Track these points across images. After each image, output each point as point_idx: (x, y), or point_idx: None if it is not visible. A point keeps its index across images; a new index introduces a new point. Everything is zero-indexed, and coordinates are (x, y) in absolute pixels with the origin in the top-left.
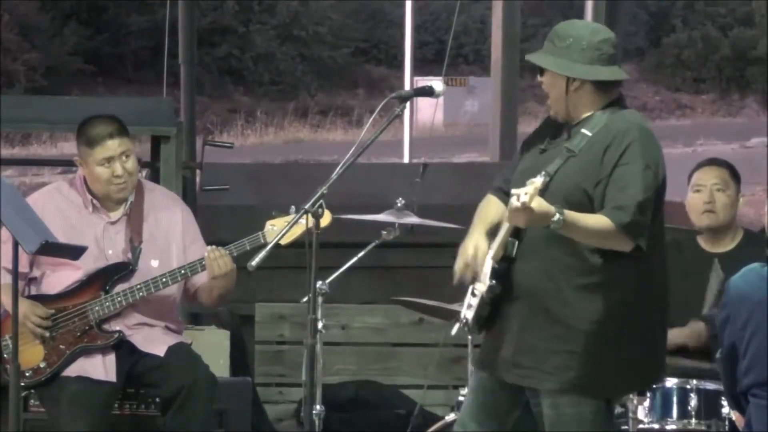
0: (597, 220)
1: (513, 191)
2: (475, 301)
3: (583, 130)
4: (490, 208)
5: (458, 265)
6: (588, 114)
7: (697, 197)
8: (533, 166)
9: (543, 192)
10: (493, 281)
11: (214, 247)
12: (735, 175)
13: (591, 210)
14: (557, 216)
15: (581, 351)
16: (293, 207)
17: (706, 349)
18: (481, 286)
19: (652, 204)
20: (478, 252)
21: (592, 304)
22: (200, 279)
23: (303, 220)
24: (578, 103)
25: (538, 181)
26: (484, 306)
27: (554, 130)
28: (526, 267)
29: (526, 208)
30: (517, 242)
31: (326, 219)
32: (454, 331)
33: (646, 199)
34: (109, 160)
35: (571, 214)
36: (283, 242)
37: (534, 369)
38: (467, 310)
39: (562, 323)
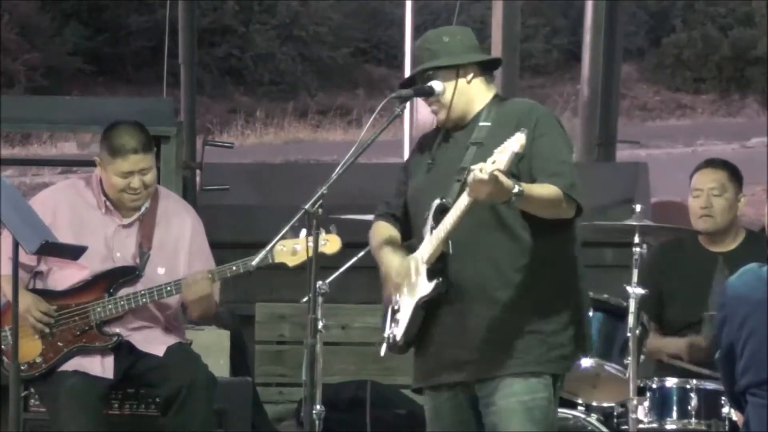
0: (548, 189)
1: (473, 166)
2: (402, 315)
3: (481, 123)
4: (384, 231)
5: (391, 285)
6: (478, 109)
7: (695, 202)
8: (430, 183)
9: (463, 183)
10: (439, 279)
11: (193, 272)
12: (734, 176)
13: None
14: (517, 188)
15: (533, 331)
16: (304, 230)
17: (701, 362)
18: (408, 298)
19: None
20: (404, 266)
21: (535, 284)
22: None
23: (311, 243)
24: (473, 96)
25: (516, 142)
26: (417, 314)
27: (438, 141)
28: (463, 261)
29: (492, 178)
30: (450, 240)
31: (335, 245)
32: (382, 352)
33: (572, 161)
34: (129, 173)
35: (527, 186)
36: (290, 264)
37: (496, 359)
38: (394, 328)
39: (510, 308)
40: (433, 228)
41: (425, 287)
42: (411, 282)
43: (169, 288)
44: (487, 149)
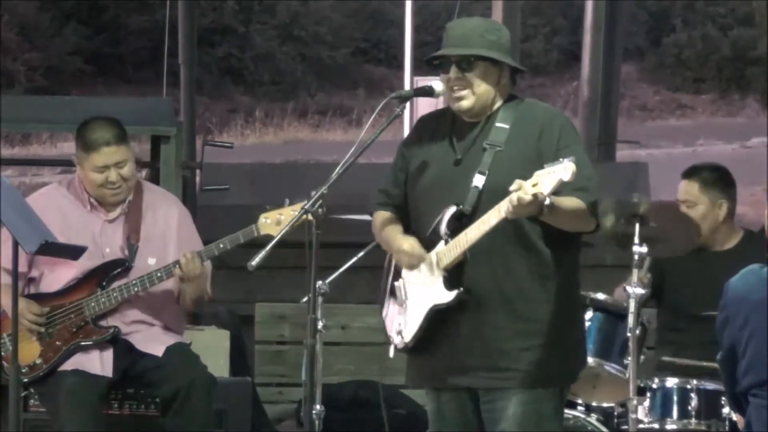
0: (574, 202)
1: (511, 188)
2: (412, 316)
3: (498, 124)
4: (388, 219)
5: (408, 263)
6: (495, 107)
7: None
8: (452, 174)
9: (482, 190)
10: (461, 288)
11: (184, 252)
12: (709, 185)
13: None
14: (548, 200)
15: (546, 343)
16: (287, 200)
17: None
18: (420, 301)
19: None
20: (414, 246)
21: (549, 296)
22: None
23: (295, 212)
24: (499, 96)
25: (567, 172)
26: (432, 318)
27: (444, 132)
28: (481, 270)
29: (534, 199)
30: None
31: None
32: (391, 353)
33: (597, 177)
34: (104, 167)
35: (557, 199)
36: (276, 233)
37: (510, 370)
38: (403, 328)
39: (525, 319)
40: (447, 234)
41: (444, 295)
42: (423, 282)
43: (159, 274)
44: (507, 155)
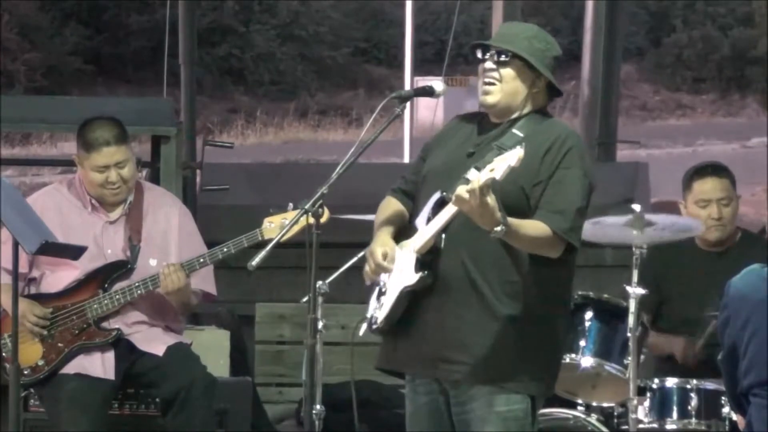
0: (536, 228)
1: (471, 176)
2: (387, 299)
3: (514, 130)
4: (391, 209)
5: (369, 267)
6: (517, 114)
7: (704, 213)
8: (459, 165)
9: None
10: (425, 271)
11: (168, 263)
12: (734, 181)
13: (527, 208)
14: (501, 227)
15: (513, 347)
16: (291, 204)
17: (692, 367)
18: (396, 283)
19: (587, 210)
20: (388, 253)
21: (523, 300)
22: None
23: (301, 218)
24: (526, 104)
25: (514, 156)
26: (401, 301)
27: (469, 129)
28: (454, 259)
29: (482, 195)
30: (443, 234)
31: (324, 216)
32: (361, 332)
33: (583, 205)
34: (105, 167)
35: (514, 223)
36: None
37: (466, 365)
38: (378, 310)
39: (493, 317)
40: (430, 219)
41: (411, 277)
42: (402, 264)
43: None
44: None
